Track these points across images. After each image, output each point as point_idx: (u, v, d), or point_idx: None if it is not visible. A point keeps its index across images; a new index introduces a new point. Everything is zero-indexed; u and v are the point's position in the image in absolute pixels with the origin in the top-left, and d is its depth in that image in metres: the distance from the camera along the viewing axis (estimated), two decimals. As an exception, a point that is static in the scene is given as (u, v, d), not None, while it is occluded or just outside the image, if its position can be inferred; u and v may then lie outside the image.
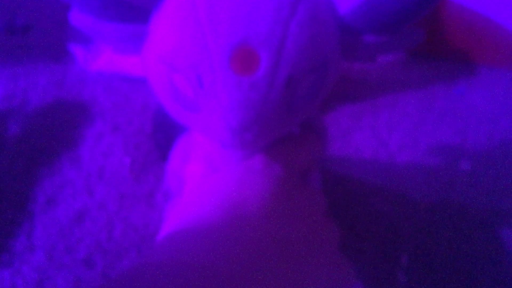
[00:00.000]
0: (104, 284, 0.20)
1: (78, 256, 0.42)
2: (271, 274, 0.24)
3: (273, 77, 0.23)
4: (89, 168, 0.50)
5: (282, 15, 0.23)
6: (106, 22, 0.26)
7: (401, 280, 0.42)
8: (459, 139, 0.55)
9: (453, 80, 0.64)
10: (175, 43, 0.24)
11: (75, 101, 0.58)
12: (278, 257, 0.25)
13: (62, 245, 0.43)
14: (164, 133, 0.52)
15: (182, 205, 0.29)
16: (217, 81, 0.23)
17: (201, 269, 0.21)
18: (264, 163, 0.28)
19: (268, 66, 0.23)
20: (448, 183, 0.50)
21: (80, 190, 0.48)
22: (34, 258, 0.42)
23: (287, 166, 0.29)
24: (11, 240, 0.43)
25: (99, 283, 0.40)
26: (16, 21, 0.68)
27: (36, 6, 0.73)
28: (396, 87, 0.63)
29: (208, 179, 0.29)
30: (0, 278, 0.40)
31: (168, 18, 0.24)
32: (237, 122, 0.24)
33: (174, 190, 0.38)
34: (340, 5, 0.27)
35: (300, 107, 0.26)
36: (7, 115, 0.55)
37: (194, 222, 0.25)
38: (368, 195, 0.49)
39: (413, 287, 0.41)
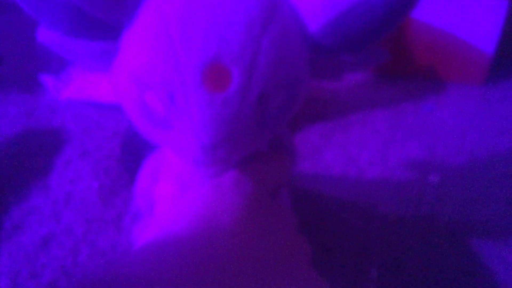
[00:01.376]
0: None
1: (43, 280, 0.41)
2: (249, 280, 0.24)
3: (245, 93, 0.23)
4: (56, 194, 0.50)
5: (254, 32, 0.23)
6: (75, 39, 0.25)
7: (371, 293, 0.41)
8: (428, 153, 0.56)
9: (421, 97, 0.65)
10: (146, 60, 0.23)
11: (45, 129, 0.58)
12: (249, 272, 0.24)
13: (26, 270, 0.42)
14: (133, 157, 0.52)
15: (153, 224, 0.28)
16: (189, 98, 0.23)
17: (175, 283, 0.21)
18: (235, 180, 0.28)
19: (240, 83, 0.23)
20: (417, 196, 0.50)
21: (47, 216, 0.47)
22: (-3, 285, 0.41)
23: (257, 183, 0.29)
24: (-26, 268, 0.42)
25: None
26: (-13, 53, 0.68)
27: (8, 39, 0.73)
28: (366, 106, 0.63)
29: (178, 198, 0.29)
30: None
31: (140, 35, 0.24)
32: (209, 139, 0.23)
33: (143, 210, 0.38)
34: (309, 24, 0.27)
35: (271, 123, 0.26)
36: (-25, 144, 0.55)
37: (165, 238, 0.25)
38: (338, 210, 0.49)
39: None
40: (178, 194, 0.30)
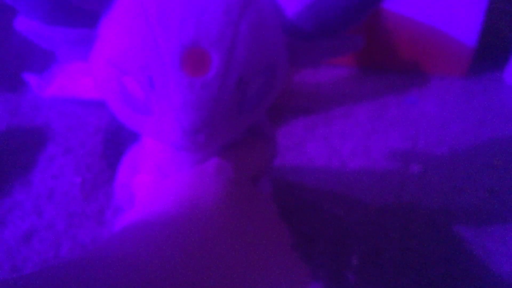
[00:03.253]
0: (44, 269, 0.20)
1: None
2: (227, 267, 0.24)
3: (224, 77, 0.23)
4: (39, 189, 0.50)
5: (232, 17, 0.23)
6: (52, 27, 0.25)
7: (351, 281, 0.41)
8: (410, 144, 0.56)
9: (404, 90, 0.65)
10: (125, 45, 0.23)
11: (29, 127, 0.58)
12: (233, 251, 0.25)
13: (8, 264, 0.42)
14: (115, 153, 0.52)
15: (133, 211, 0.28)
16: (169, 82, 0.23)
17: (158, 261, 0.21)
18: (216, 167, 0.28)
19: (219, 67, 0.23)
20: (399, 186, 0.51)
21: (29, 211, 0.47)
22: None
23: (238, 171, 0.29)
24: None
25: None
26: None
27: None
28: (349, 99, 0.64)
29: (159, 185, 0.29)
30: None
31: (118, 21, 0.24)
32: (189, 123, 0.23)
33: (123, 204, 0.38)
34: (286, 8, 0.27)
35: (250, 108, 0.26)
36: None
37: (147, 218, 0.25)
38: (320, 201, 0.49)
39: (362, 286, 0.41)
40: (158, 182, 0.30)
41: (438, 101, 0.63)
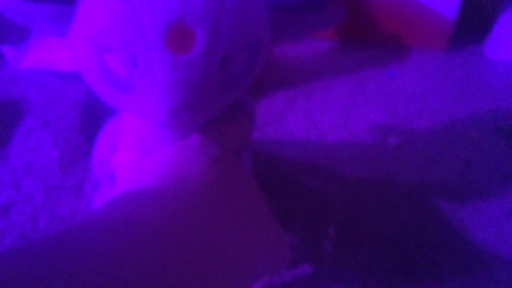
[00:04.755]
0: (46, 238, 0.20)
1: (2, 247, 0.41)
2: (214, 240, 0.24)
3: (209, 54, 0.23)
4: (16, 163, 0.49)
5: None
6: (28, 3, 0.24)
7: (328, 250, 0.42)
8: (389, 117, 0.56)
9: (384, 64, 0.65)
10: (106, 22, 0.22)
11: (6, 100, 0.57)
12: (220, 224, 0.25)
13: (-16, 238, 0.42)
14: (93, 126, 0.52)
15: (116, 187, 0.28)
16: (153, 60, 0.22)
17: (147, 226, 0.21)
18: (199, 142, 0.28)
19: (204, 44, 0.22)
20: (376, 158, 0.51)
21: (6, 185, 0.47)
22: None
23: (220, 145, 0.29)
24: None
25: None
26: None
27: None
28: (330, 73, 0.64)
29: (141, 162, 0.29)
30: None
31: None
32: (174, 101, 0.23)
33: (101, 178, 0.38)
34: None
35: (234, 85, 0.26)
36: None
37: (134, 190, 0.25)
38: (299, 173, 0.49)
39: (339, 256, 0.42)
40: (139, 159, 0.29)
41: (417, 75, 0.64)
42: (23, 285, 0.16)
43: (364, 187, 0.48)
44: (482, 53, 0.68)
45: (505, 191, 0.48)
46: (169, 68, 0.22)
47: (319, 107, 0.58)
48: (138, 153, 0.30)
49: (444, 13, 0.65)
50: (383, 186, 0.48)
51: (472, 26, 0.70)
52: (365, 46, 0.69)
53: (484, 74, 0.64)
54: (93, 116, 0.51)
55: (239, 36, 0.24)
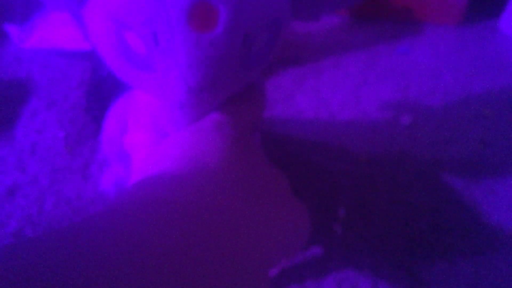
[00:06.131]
0: (79, 223, 0.20)
1: (8, 230, 0.41)
2: (238, 221, 0.24)
3: (232, 33, 0.22)
4: (22, 144, 0.49)
5: None
6: None
7: (338, 232, 0.41)
8: (401, 95, 0.55)
9: (396, 39, 0.64)
10: None
11: (11, 80, 0.57)
12: (242, 205, 0.25)
13: (-9, 221, 0.42)
14: (99, 106, 0.51)
15: (134, 171, 0.28)
16: (175, 38, 0.21)
17: (178, 204, 0.22)
18: (215, 123, 0.28)
19: (227, 22, 0.22)
20: (388, 137, 0.50)
21: (12, 167, 0.46)
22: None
23: (237, 125, 0.28)
24: None
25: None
26: None
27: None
28: (340, 50, 0.62)
29: (156, 144, 0.29)
30: None
31: None
32: (196, 81, 0.22)
33: (110, 158, 0.37)
34: None
35: (255, 65, 0.25)
36: None
37: (157, 173, 0.25)
38: (309, 153, 0.48)
39: (349, 238, 0.41)
40: (155, 140, 0.29)
41: (430, 51, 0.62)
42: (56, 268, 0.16)
43: (375, 167, 0.47)
44: (497, 28, 0.66)
45: (521, 171, 0.47)
46: (192, 47, 0.22)
47: (329, 85, 0.57)
48: (152, 134, 0.29)
49: (458, -13, 0.63)
50: (395, 165, 0.47)
51: (487, 0, 0.68)
52: (376, 21, 0.67)
53: (499, 50, 0.62)
54: (99, 96, 0.50)
55: (261, 15, 0.23)
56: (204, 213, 0.22)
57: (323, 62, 0.60)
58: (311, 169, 0.47)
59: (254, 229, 0.25)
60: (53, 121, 0.51)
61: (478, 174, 0.47)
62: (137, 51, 0.23)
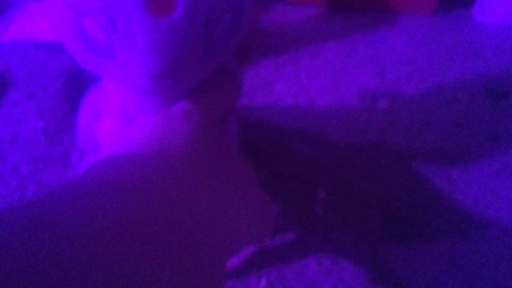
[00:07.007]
0: (32, 201, 0.19)
1: (-12, 219, 0.41)
2: (200, 206, 0.23)
3: (191, 17, 0.22)
4: (1, 135, 0.48)
5: None
6: None
7: (318, 212, 0.42)
8: (378, 81, 0.56)
9: (373, 29, 0.65)
10: None
11: (-12, 73, 0.56)
12: (206, 191, 0.24)
13: (-29, 210, 0.41)
14: (78, 95, 0.51)
15: (102, 153, 0.28)
16: (132, 24, 0.21)
17: (128, 188, 0.20)
18: (183, 111, 0.27)
19: (185, 6, 0.21)
20: (366, 122, 0.51)
21: (-8, 157, 0.46)
22: None
23: (206, 113, 0.28)
24: None
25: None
26: None
27: None
28: (318, 38, 0.63)
29: (124, 130, 0.28)
30: None
31: None
32: (156, 66, 0.22)
33: (86, 147, 0.37)
34: None
35: (217, 49, 0.25)
36: None
37: (116, 155, 0.24)
38: (288, 138, 0.49)
39: (330, 218, 0.42)
40: (122, 127, 0.29)
41: (406, 39, 0.63)
42: (14, 247, 0.15)
43: (354, 151, 0.48)
44: (470, 16, 0.67)
45: (495, 151, 0.48)
46: (150, 32, 0.21)
47: (308, 72, 0.57)
48: (121, 122, 0.29)
49: (432, -24, 0.64)
50: (373, 149, 0.48)
51: (460, -11, 0.69)
52: (353, 11, 0.68)
53: (473, 37, 0.64)
54: (78, 86, 0.50)
55: None
56: (158, 194, 0.21)
57: (302, 51, 0.61)
58: (291, 153, 0.47)
59: (214, 213, 0.24)
60: (32, 112, 0.51)
61: (454, 155, 0.48)
62: (96, 38, 0.23)
